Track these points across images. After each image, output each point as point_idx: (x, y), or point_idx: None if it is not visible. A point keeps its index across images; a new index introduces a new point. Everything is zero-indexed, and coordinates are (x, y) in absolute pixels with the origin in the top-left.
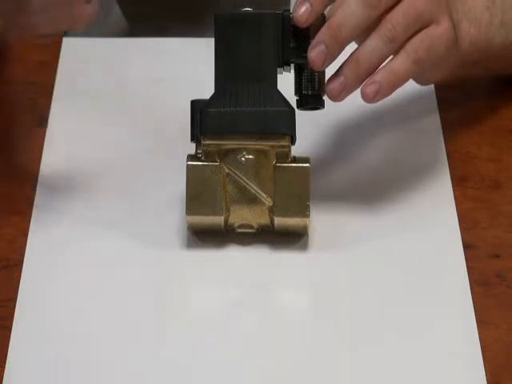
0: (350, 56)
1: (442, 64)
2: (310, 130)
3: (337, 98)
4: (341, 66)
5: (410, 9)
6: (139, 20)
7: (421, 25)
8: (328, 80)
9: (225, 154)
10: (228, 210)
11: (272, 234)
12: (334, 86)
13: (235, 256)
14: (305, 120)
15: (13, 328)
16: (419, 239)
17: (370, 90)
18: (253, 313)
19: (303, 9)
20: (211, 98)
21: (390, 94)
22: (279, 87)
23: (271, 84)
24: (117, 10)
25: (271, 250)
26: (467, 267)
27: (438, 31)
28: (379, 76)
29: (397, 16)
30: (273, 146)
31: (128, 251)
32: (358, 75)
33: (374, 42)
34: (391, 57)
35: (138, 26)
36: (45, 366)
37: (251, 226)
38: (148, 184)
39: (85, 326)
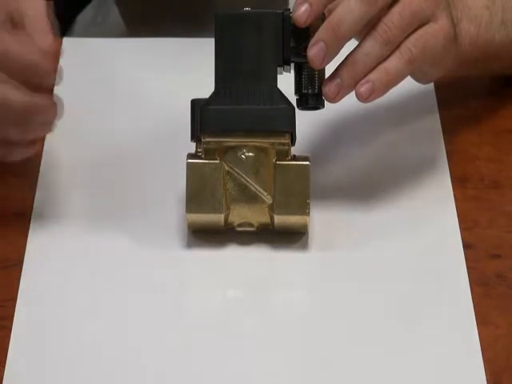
0: (346, 58)
1: (439, 62)
2: (310, 129)
3: (333, 99)
4: (337, 68)
5: (406, 9)
6: (139, 20)
7: (418, 23)
8: (324, 81)
9: (225, 152)
10: (228, 208)
11: (272, 233)
12: (331, 88)
13: (235, 255)
14: (305, 119)
15: (13, 328)
16: (419, 239)
17: (364, 90)
18: (253, 312)
19: (302, 9)
20: (211, 96)
21: (385, 93)
22: (280, 87)
23: (271, 82)
24: (115, 11)
25: (271, 249)
26: (467, 267)
27: (435, 29)
28: (373, 76)
29: (392, 17)
30: (273, 144)
31: (128, 251)
32: (354, 77)
33: (370, 44)
34: None
35: (138, 26)
36: (45, 366)
37: (251, 225)
38: (148, 183)
39: (85, 325)
